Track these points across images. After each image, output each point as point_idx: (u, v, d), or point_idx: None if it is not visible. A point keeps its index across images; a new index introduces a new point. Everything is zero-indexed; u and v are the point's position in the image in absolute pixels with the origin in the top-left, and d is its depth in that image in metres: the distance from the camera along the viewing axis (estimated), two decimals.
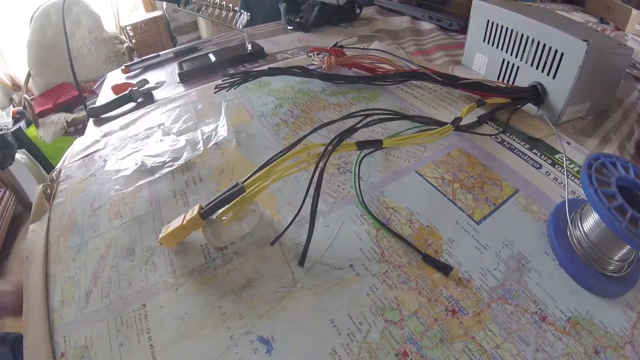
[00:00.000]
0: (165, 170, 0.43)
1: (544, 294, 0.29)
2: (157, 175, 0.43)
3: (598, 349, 0.26)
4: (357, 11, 0.93)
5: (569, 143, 0.45)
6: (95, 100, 0.74)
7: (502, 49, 0.56)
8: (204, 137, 0.48)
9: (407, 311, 0.28)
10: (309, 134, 0.38)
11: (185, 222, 0.32)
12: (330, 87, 0.58)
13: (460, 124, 0.44)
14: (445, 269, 0.30)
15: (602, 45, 0.45)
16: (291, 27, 0.90)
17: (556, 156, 0.42)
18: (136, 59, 0.82)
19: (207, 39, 0.90)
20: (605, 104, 0.54)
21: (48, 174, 0.72)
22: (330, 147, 0.34)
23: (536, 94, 0.50)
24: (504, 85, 0.52)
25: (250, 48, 0.75)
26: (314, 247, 0.33)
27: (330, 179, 0.40)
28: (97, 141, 0.54)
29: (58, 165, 0.51)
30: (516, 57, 0.54)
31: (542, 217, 0.35)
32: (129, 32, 2.32)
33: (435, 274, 0.31)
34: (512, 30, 0.54)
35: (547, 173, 0.40)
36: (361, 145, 0.36)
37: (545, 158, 0.42)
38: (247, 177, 0.33)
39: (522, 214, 0.36)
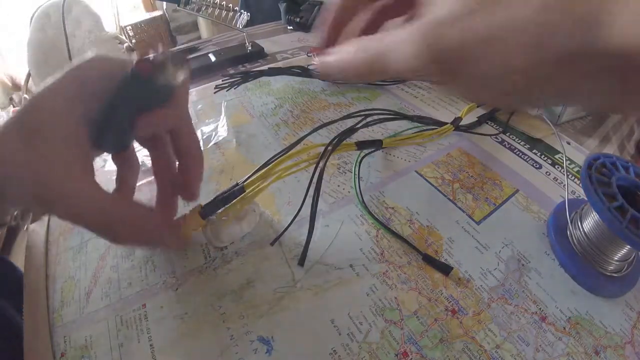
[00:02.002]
0: None
1: (544, 294, 0.29)
2: None
3: (598, 349, 0.26)
4: None
5: (569, 143, 0.45)
6: None
7: None
8: (204, 137, 0.48)
9: (407, 311, 0.28)
10: (309, 134, 0.38)
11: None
12: (330, 87, 0.58)
13: (460, 124, 0.44)
14: (445, 269, 0.30)
15: None
16: (291, 27, 0.89)
17: (556, 156, 0.42)
18: None
19: (207, 39, 0.90)
20: None
21: None
22: (330, 147, 0.34)
23: None
24: None
25: (250, 48, 0.75)
26: (314, 247, 0.33)
27: (330, 179, 0.40)
28: None
29: None
30: None
31: (542, 217, 0.35)
32: (129, 32, 2.33)
33: (435, 274, 0.31)
34: None
35: (547, 173, 0.40)
36: (361, 145, 0.36)
37: (545, 158, 0.42)
38: (247, 177, 0.33)
39: (522, 214, 0.36)
